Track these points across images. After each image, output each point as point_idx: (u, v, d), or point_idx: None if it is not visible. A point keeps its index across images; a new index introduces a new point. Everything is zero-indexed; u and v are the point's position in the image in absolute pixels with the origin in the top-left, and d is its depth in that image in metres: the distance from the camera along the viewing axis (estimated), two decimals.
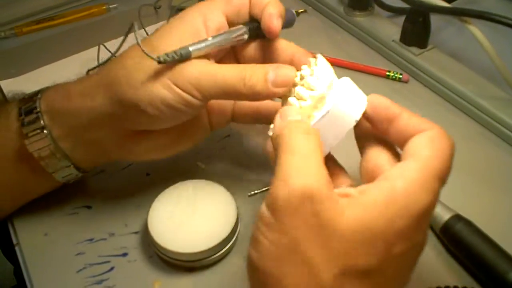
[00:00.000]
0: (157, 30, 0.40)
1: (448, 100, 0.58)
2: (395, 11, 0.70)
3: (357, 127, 0.35)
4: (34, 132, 0.41)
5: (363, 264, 0.27)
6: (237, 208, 0.45)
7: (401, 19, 0.62)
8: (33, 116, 0.41)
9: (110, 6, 0.75)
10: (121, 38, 0.59)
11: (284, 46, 0.41)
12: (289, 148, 0.29)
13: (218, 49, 0.40)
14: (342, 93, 0.34)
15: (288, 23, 0.44)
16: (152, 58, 0.36)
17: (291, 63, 0.40)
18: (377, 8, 0.68)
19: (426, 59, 0.60)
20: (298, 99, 0.35)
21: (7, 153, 0.43)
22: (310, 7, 0.74)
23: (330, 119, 0.33)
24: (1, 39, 0.72)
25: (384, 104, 0.33)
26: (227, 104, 0.47)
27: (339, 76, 0.36)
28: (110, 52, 0.62)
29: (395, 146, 0.34)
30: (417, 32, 0.60)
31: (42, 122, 0.41)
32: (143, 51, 0.36)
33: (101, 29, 0.72)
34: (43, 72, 0.65)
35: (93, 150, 0.43)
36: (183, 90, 0.37)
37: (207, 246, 0.42)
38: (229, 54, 0.43)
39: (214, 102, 0.45)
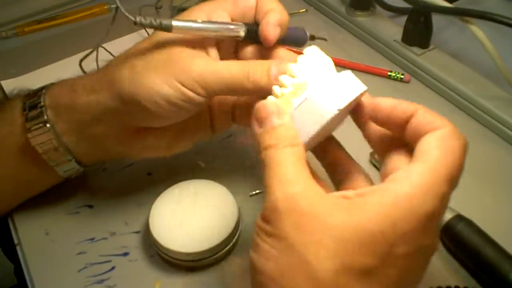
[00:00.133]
0: None
1: (449, 100, 0.58)
2: (397, 11, 0.70)
3: (374, 134, 0.35)
4: (37, 126, 0.42)
5: (361, 263, 0.27)
6: (239, 208, 0.45)
7: (403, 19, 0.62)
8: (37, 111, 0.42)
9: (111, 6, 0.75)
10: (121, 38, 0.59)
11: (282, 54, 0.40)
12: (272, 163, 0.31)
13: (208, 37, 0.39)
14: (326, 81, 0.33)
15: (299, 41, 0.44)
16: (130, 18, 0.36)
17: None
18: (378, 8, 0.68)
19: (428, 59, 0.60)
20: (280, 87, 0.35)
21: (11, 146, 0.43)
22: (312, 7, 0.74)
23: (308, 106, 0.33)
24: (2, 39, 0.72)
25: (398, 106, 0.32)
26: (227, 104, 0.46)
27: None
28: (109, 52, 0.62)
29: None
30: (418, 32, 0.60)
31: (45, 116, 0.42)
32: (121, 10, 0.36)
33: (102, 29, 0.72)
34: (45, 72, 0.65)
35: (96, 145, 0.43)
36: (187, 87, 0.38)
37: (208, 246, 0.42)
38: (230, 54, 0.43)
39: (214, 104, 0.45)
